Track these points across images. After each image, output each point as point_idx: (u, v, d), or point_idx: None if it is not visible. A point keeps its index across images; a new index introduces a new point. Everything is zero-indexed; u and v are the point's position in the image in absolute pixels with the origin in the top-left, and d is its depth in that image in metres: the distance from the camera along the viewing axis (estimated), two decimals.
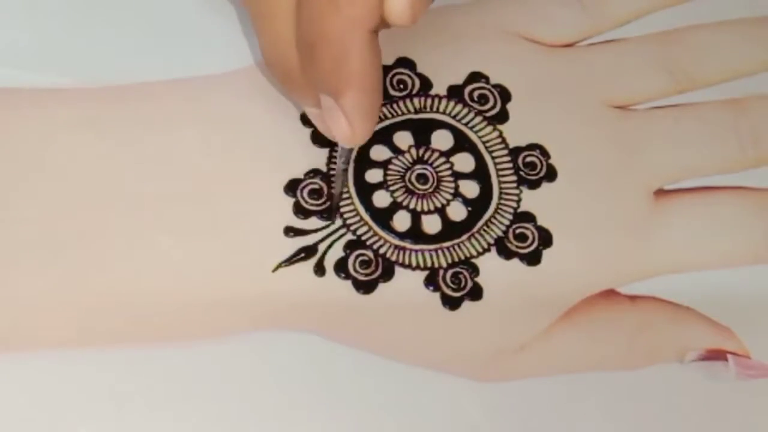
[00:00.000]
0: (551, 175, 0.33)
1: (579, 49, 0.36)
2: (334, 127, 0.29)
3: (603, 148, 0.34)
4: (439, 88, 0.34)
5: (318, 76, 0.29)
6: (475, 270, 0.32)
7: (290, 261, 0.31)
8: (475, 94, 0.34)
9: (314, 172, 0.32)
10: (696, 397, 0.34)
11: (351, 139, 0.30)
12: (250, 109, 0.33)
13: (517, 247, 0.33)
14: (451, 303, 0.32)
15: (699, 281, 0.34)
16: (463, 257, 0.32)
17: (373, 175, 0.33)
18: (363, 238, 0.32)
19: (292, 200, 0.32)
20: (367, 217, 0.32)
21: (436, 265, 0.32)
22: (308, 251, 0.31)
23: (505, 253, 0.32)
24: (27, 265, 0.30)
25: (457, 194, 0.33)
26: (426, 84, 0.34)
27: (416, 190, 0.33)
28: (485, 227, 0.33)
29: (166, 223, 0.31)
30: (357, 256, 0.32)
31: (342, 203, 0.32)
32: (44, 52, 0.34)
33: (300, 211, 0.32)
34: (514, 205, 0.33)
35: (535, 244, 0.33)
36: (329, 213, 0.32)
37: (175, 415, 0.31)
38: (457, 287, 0.32)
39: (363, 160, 0.33)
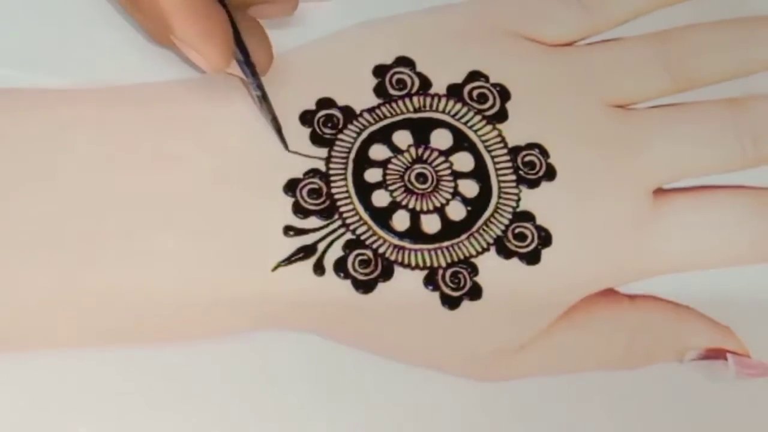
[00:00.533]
0: (550, 174, 0.33)
1: (578, 49, 0.36)
2: (192, 59, 0.31)
3: (602, 148, 0.34)
4: (439, 87, 0.34)
5: (147, 22, 0.31)
6: (474, 269, 0.32)
7: (289, 260, 0.31)
8: (475, 93, 0.34)
9: (313, 172, 0.32)
10: (696, 396, 0.34)
11: (208, 65, 0.31)
12: (249, 108, 0.33)
13: (516, 246, 0.32)
14: (451, 302, 0.32)
15: (698, 280, 0.34)
16: (462, 257, 0.32)
17: (372, 175, 0.33)
18: (362, 237, 0.32)
19: (291, 200, 0.32)
20: (366, 217, 0.32)
21: (436, 265, 0.32)
22: (307, 250, 0.31)
23: (505, 253, 0.32)
24: (27, 265, 0.30)
25: (456, 193, 0.33)
26: (425, 83, 0.34)
27: (415, 189, 0.33)
28: (484, 227, 0.33)
29: (165, 222, 0.31)
30: (356, 256, 0.32)
31: (341, 202, 0.32)
32: (44, 52, 0.34)
33: (299, 210, 0.32)
34: (514, 204, 0.33)
35: (535, 244, 0.33)
36: (282, 139, 0.33)
37: (175, 415, 0.31)
38: (457, 287, 0.32)
39: (362, 160, 0.33)
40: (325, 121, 0.33)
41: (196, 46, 0.30)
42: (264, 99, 0.32)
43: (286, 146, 0.32)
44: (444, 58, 0.34)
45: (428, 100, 0.34)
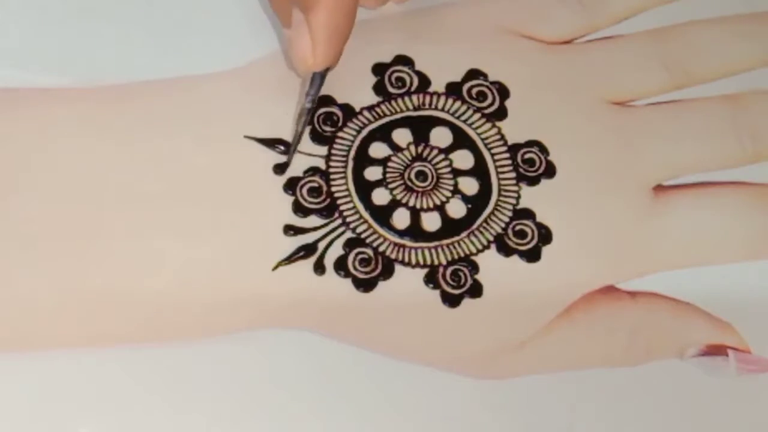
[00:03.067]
0: (550, 171, 0.33)
1: (577, 46, 0.36)
2: (296, 46, 0.30)
3: (602, 145, 0.34)
4: (438, 85, 0.34)
5: None
6: (474, 267, 0.32)
7: (290, 259, 0.31)
8: (474, 91, 0.34)
9: (313, 170, 0.32)
10: (696, 392, 0.34)
11: (309, 61, 0.30)
12: (248, 107, 0.33)
13: (516, 244, 0.32)
14: (451, 300, 0.32)
15: (699, 277, 0.34)
16: (462, 254, 0.32)
17: (372, 173, 0.33)
18: (363, 236, 0.32)
19: (291, 198, 0.32)
20: (366, 215, 0.32)
21: (436, 263, 0.32)
22: (308, 249, 0.31)
23: (505, 250, 0.32)
24: (27, 265, 0.30)
25: (456, 191, 0.33)
26: (424, 81, 0.34)
27: (415, 187, 0.33)
28: (485, 224, 0.33)
29: (165, 222, 0.31)
30: (357, 254, 0.32)
31: (341, 201, 0.32)
32: (43, 52, 0.34)
33: (299, 209, 0.32)
34: (514, 202, 0.33)
35: (535, 241, 0.33)
36: (288, 154, 0.32)
37: (175, 414, 0.31)
38: (457, 285, 0.32)
39: (362, 158, 0.33)
40: (324, 118, 0.33)
41: (318, 41, 0.29)
42: (308, 114, 0.32)
43: (288, 163, 0.32)
44: (443, 56, 0.34)
45: (427, 98, 0.34)
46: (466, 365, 0.33)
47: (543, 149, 0.34)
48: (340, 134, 0.33)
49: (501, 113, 0.34)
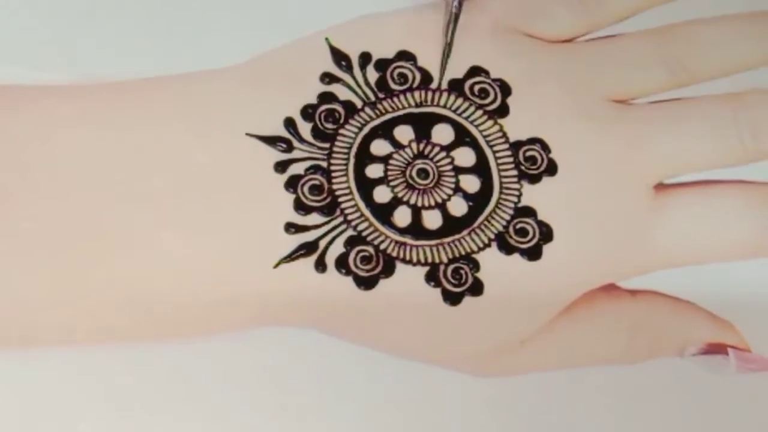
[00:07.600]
0: (552, 169, 0.33)
1: (578, 45, 0.35)
2: None
3: (603, 143, 0.34)
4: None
5: None
6: (475, 265, 0.32)
7: (291, 257, 0.31)
8: (476, 88, 0.34)
9: (315, 168, 0.32)
10: (696, 391, 0.34)
11: None
12: (250, 104, 0.33)
13: (517, 242, 0.32)
14: (452, 298, 0.32)
15: (699, 275, 0.34)
16: (463, 252, 0.32)
17: (374, 170, 0.33)
18: (364, 234, 0.32)
19: (292, 196, 0.32)
20: (367, 213, 0.32)
21: (437, 261, 0.32)
22: (309, 247, 0.31)
23: (506, 248, 0.32)
24: (27, 263, 0.30)
25: (457, 189, 0.33)
26: (427, 78, 0.34)
27: (417, 185, 0.33)
28: (486, 222, 0.33)
29: (165, 220, 0.31)
30: (358, 252, 0.32)
31: (343, 199, 0.32)
32: (43, 48, 0.33)
33: (300, 207, 0.32)
34: (515, 199, 0.33)
35: (536, 239, 0.32)
36: (445, 61, 0.33)
37: (175, 413, 0.31)
38: (458, 282, 0.32)
39: (363, 155, 0.33)
40: (326, 115, 0.33)
41: None
42: (455, 20, 0.32)
43: (441, 76, 0.33)
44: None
45: (429, 94, 0.34)
46: (467, 363, 0.33)
47: (545, 147, 0.33)
48: (341, 131, 0.33)
49: (503, 110, 0.34)
